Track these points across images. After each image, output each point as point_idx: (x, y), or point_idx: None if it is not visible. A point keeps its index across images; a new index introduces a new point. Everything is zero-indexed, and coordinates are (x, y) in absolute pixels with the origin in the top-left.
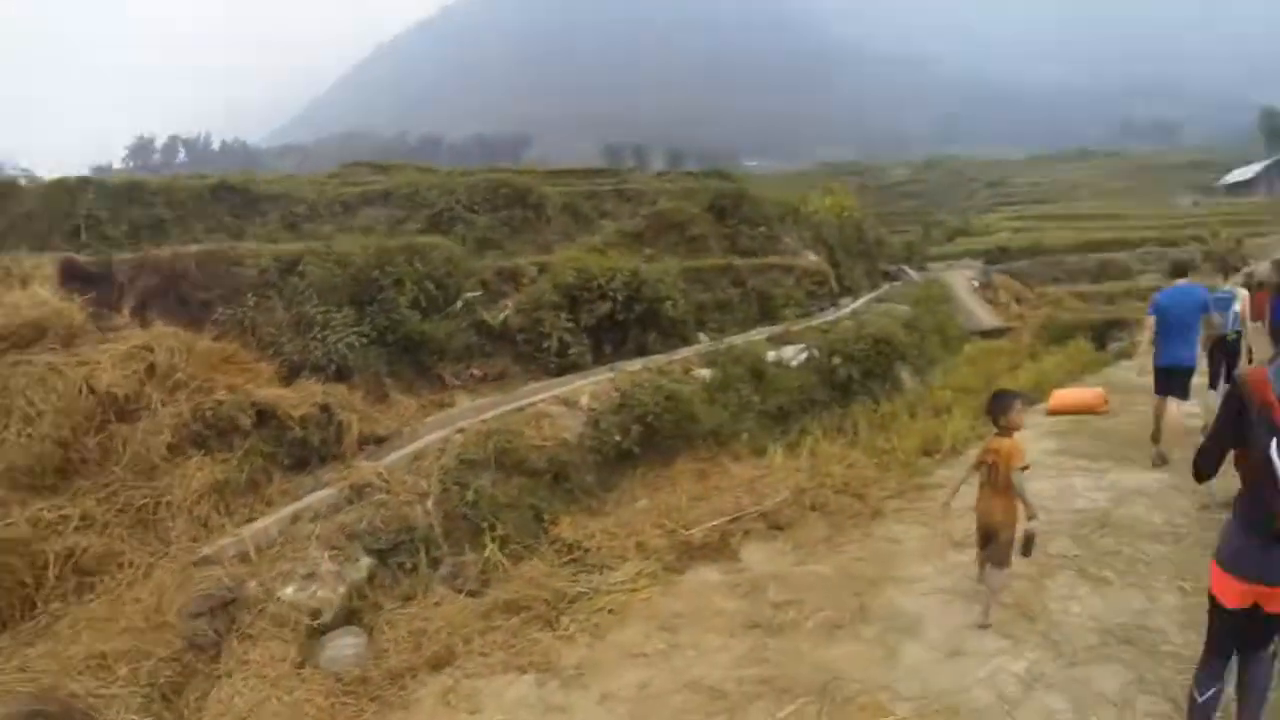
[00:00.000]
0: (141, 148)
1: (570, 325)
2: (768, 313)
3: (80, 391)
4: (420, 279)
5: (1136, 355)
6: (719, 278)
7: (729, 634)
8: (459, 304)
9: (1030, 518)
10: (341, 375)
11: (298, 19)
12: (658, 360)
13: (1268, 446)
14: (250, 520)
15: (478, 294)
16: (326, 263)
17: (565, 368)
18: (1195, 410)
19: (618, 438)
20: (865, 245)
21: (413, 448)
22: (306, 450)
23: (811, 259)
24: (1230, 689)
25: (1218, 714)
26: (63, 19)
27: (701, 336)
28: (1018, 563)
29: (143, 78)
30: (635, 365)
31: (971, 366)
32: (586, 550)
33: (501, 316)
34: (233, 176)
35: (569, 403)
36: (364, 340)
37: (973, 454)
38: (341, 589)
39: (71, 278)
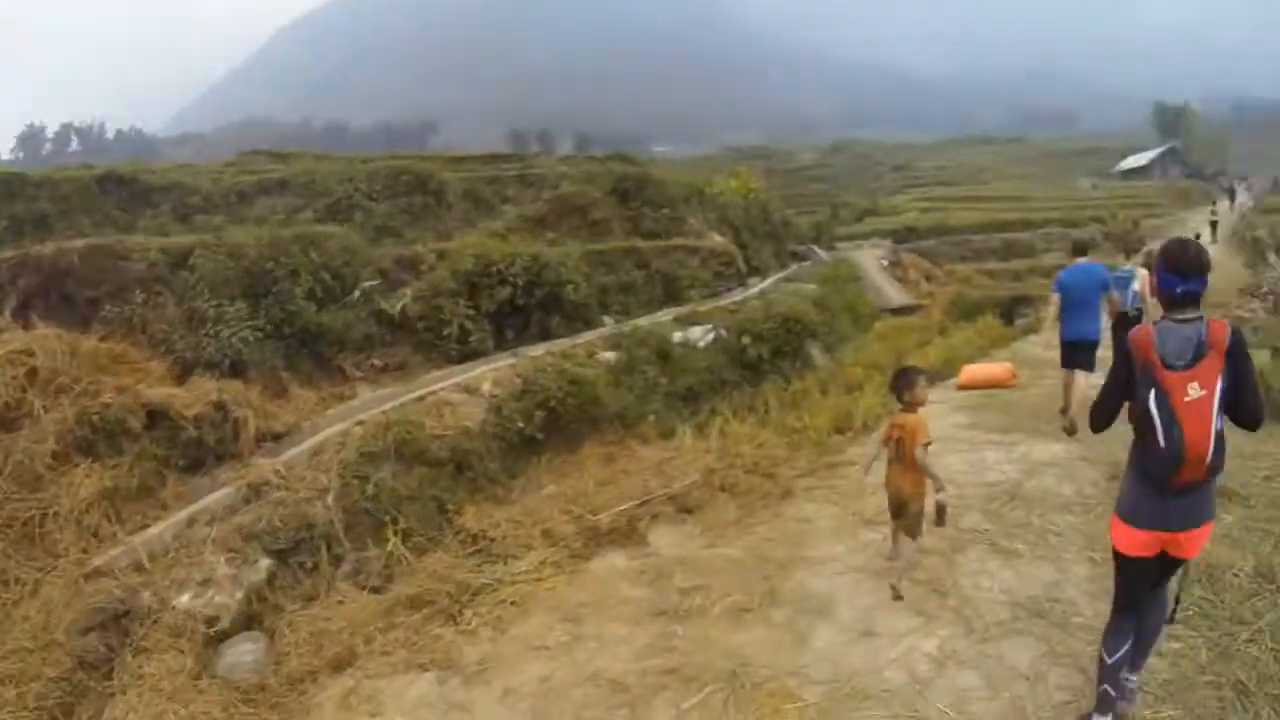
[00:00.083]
0: (31, 137)
1: (471, 312)
2: (673, 294)
3: None
4: (316, 269)
5: (1042, 330)
6: (622, 260)
7: (634, 623)
8: (357, 294)
9: (939, 490)
10: (237, 371)
11: None
12: (561, 344)
13: (1147, 399)
14: (144, 527)
15: (376, 283)
16: (218, 255)
17: (467, 355)
18: (1101, 382)
19: (521, 424)
20: (772, 226)
21: (312, 442)
22: (202, 450)
23: (717, 240)
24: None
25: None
26: None
27: (606, 319)
28: (930, 537)
29: (34, 60)
30: (538, 350)
31: (883, 343)
32: (491, 540)
33: (400, 305)
34: (122, 167)
35: (471, 390)
36: (259, 334)
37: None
38: (239, 593)
39: None
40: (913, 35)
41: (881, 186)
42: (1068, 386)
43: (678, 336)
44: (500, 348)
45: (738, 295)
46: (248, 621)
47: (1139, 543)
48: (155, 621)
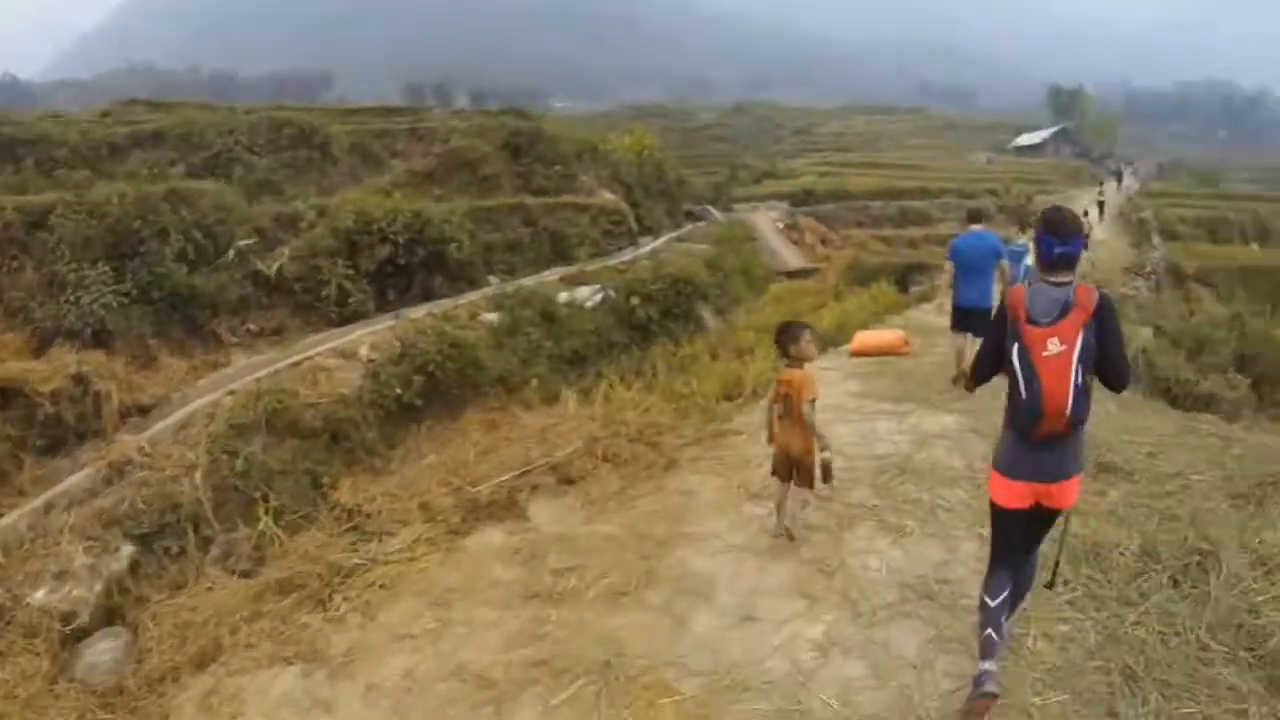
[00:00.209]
0: None
1: (350, 272)
2: (562, 253)
3: None
4: (188, 228)
5: (936, 297)
6: (510, 217)
7: (505, 607)
8: (231, 254)
9: (824, 449)
10: (100, 340)
11: None
12: (444, 305)
13: (1012, 353)
14: None
15: (252, 242)
16: (79, 214)
17: (347, 317)
18: None
19: (399, 390)
20: (666, 185)
21: (179, 415)
22: (61, 429)
23: (608, 198)
24: None
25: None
26: None
27: (491, 279)
28: (818, 514)
29: None
30: (419, 312)
31: (776, 306)
32: (368, 515)
33: (277, 266)
34: None
35: (348, 355)
36: (124, 299)
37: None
38: (98, 585)
39: None
40: (821, 5)
41: (781, 150)
42: (960, 353)
43: (564, 297)
44: (382, 309)
45: (628, 255)
46: (109, 616)
47: (1014, 494)
48: (9, 621)
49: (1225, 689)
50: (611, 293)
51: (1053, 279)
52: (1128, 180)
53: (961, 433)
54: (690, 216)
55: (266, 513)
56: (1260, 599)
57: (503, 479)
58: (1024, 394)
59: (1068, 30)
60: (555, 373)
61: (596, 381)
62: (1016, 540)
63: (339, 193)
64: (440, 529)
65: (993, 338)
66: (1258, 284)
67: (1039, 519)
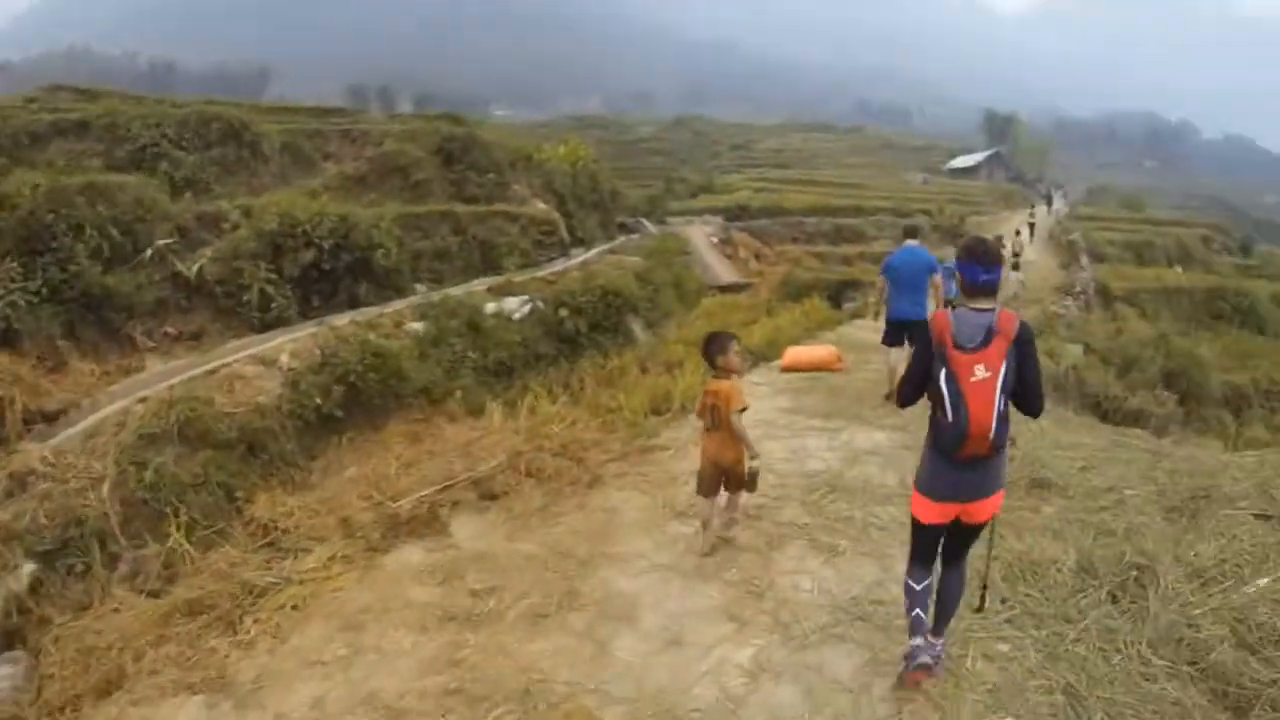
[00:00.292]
0: None
1: (273, 276)
2: (491, 262)
3: None
4: (104, 224)
5: (868, 315)
6: (439, 224)
7: (420, 630)
8: (149, 253)
9: (753, 457)
10: (6, 341)
11: None
12: (369, 313)
13: (939, 377)
14: None
15: (172, 241)
16: None
17: (269, 323)
18: None
19: (319, 400)
20: (600, 196)
21: (87, 423)
22: None
23: (540, 207)
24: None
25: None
26: None
27: (418, 287)
28: (746, 533)
29: None
30: (344, 319)
31: (708, 320)
32: (284, 531)
33: (197, 267)
34: None
35: (267, 363)
36: (33, 298)
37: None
38: None
39: None
40: (763, 23)
41: (719, 165)
42: (893, 370)
43: (491, 307)
44: (306, 316)
45: (559, 266)
46: (8, 639)
47: (935, 513)
48: None
49: (1170, 704)
50: (540, 304)
51: (976, 305)
52: (1058, 204)
53: (894, 449)
54: (624, 229)
55: (177, 528)
56: (1198, 612)
57: (424, 494)
58: (950, 417)
59: (1002, 56)
60: (481, 385)
61: (522, 394)
62: (933, 549)
63: (268, 193)
64: (359, 546)
65: (920, 361)
66: (1180, 305)
67: (961, 531)
